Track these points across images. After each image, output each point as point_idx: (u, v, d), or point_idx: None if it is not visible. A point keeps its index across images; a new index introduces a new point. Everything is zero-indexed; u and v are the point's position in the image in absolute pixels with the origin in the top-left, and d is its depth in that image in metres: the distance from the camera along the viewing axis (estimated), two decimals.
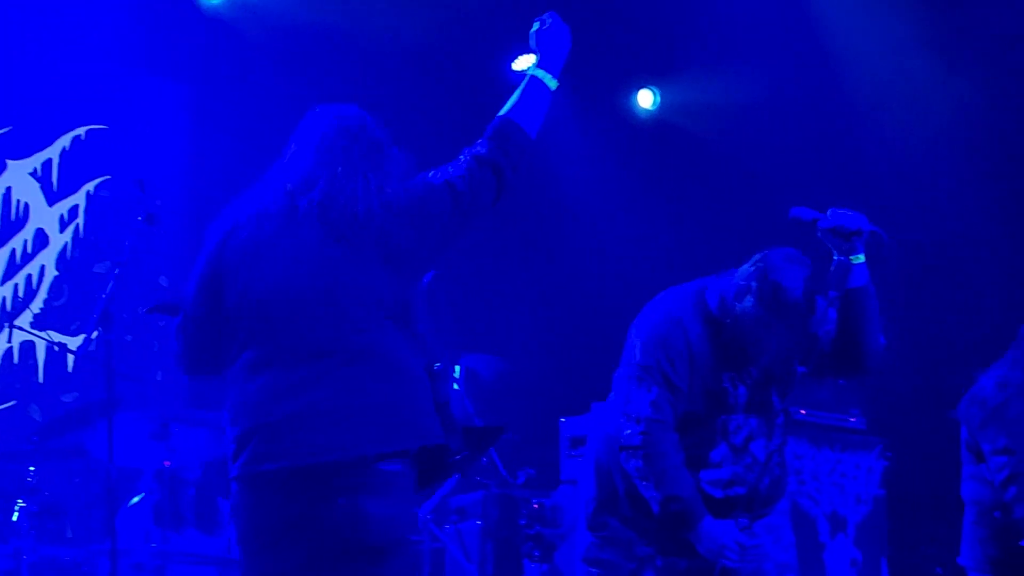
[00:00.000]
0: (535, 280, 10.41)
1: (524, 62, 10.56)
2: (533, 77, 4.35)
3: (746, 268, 4.86)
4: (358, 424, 3.92)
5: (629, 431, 4.83)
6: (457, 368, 8.17)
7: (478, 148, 4.24)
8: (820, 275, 4.85)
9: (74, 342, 8.57)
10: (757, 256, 4.87)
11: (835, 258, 4.77)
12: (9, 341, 8.75)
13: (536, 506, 7.86)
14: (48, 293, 9.04)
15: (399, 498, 3.96)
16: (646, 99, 11.26)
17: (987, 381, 6.16)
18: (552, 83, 4.36)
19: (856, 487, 8.43)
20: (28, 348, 8.82)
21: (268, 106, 9.52)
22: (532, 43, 4.42)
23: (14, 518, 6.79)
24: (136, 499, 7.11)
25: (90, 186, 9.27)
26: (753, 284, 4.79)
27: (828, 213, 4.75)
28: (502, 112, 4.29)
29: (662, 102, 11.25)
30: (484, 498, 7.60)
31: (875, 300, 4.83)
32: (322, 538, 3.94)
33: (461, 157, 4.23)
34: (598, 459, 5.16)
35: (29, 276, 9.01)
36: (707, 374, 4.88)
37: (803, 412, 8.16)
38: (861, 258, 4.76)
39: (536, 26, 4.43)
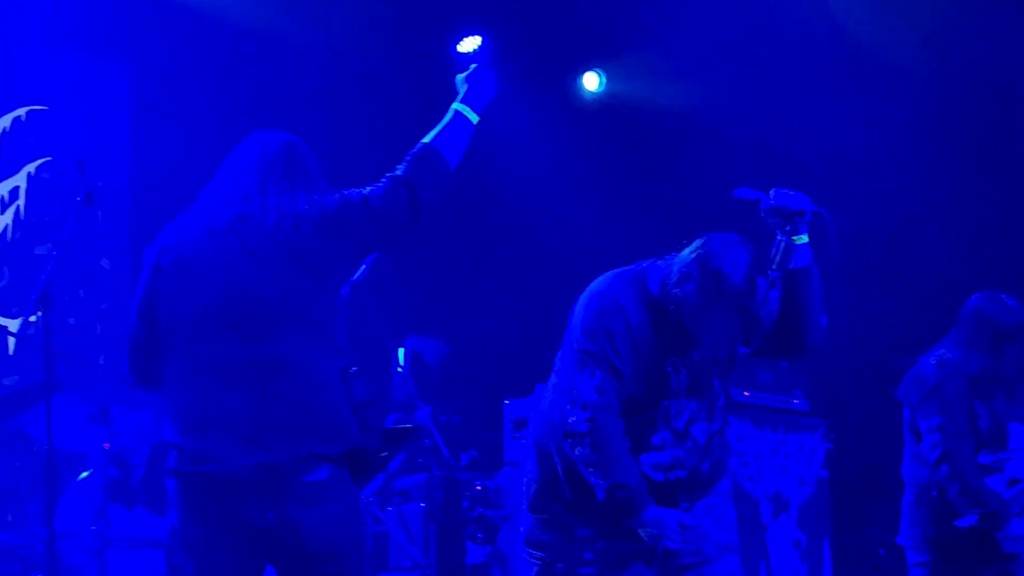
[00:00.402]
0: (480, 263, 10.41)
1: (469, 44, 10.55)
2: (457, 111, 4.58)
3: (687, 254, 4.84)
4: (272, 431, 4.12)
5: (575, 418, 4.79)
6: (402, 351, 8.15)
7: (397, 170, 4.41)
8: (763, 255, 4.85)
9: (14, 324, 8.50)
10: (698, 242, 4.85)
11: (778, 238, 4.76)
12: None
13: (479, 488, 7.86)
14: None
15: (334, 505, 4.17)
16: (591, 82, 11.26)
17: (927, 361, 6.19)
18: (474, 118, 4.59)
19: (799, 468, 8.47)
20: None
21: (210, 87, 9.47)
22: (459, 86, 4.68)
23: None
24: (85, 474, 7.07)
25: (31, 167, 9.19)
26: (694, 271, 4.76)
27: (771, 193, 4.75)
28: (425, 140, 4.48)
29: (607, 85, 11.24)
30: (427, 480, 7.59)
31: (818, 280, 4.82)
32: (258, 542, 4.16)
33: (382, 180, 4.39)
34: (539, 441, 5.14)
35: None
36: (649, 358, 4.86)
37: (746, 394, 8.19)
38: (804, 238, 4.75)
39: (466, 73, 4.69)
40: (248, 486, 4.12)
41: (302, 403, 4.16)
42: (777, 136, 10.45)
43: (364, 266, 6.76)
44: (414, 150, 4.46)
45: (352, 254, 4.32)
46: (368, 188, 4.36)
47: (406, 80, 10.44)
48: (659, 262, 4.96)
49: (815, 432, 8.61)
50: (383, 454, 4.41)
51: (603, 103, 11.28)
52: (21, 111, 9.18)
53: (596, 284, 5.01)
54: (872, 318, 9.73)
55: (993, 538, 5.89)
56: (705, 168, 10.30)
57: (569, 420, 4.80)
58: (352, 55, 10.19)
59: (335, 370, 4.24)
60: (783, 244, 4.74)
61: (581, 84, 11.30)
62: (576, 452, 4.80)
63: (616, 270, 5.05)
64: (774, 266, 4.74)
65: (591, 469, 4.77)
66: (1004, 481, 5.94)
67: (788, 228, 4.73)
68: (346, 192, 4.36)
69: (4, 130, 9.10)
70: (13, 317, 8.79)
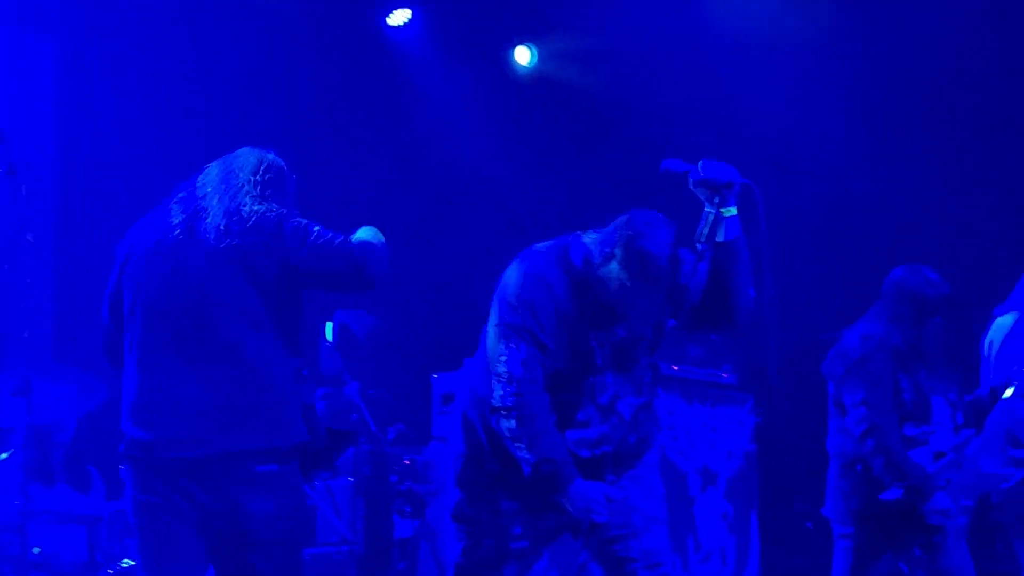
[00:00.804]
0: (409, 236, 10.34)
1: (399, 17, 10.50)
2: None
3: (610, 232, 4.80)
4: (216, 422, 4.39)
5: (501, 392, 4.75)
6: (330, 324, 8.11)
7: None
8: (692, 228, 4.84)
9: None
10: (621, 220, 4.81)
11: (706, 210, 4.75)
12: None
13: (407, 462, 7.84)
14: None
15: (281, 497, 4.43)
16: (523, 56, 11.23)
17: (851, 335, 6.22)
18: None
19: (727, 442, 8.51)
20: None
21: (135, 59, 9.37)
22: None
23: None
24: (3, 455, 6.99)
25: None
26: (618, 251, 4.74)
27: (700, 165, 4.73)
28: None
29: (539, 59, 11.22)
30: (355, 455, 7.56)
31: (746, 253, 4.80)
32: (205, 522, 4.43)
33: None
34: (465, 415, 5.12)
35: None
36: (573, 333, 4.84)
37: (675, 368, 8.20)
38: (733, 211, 4.74)
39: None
40: (196, 472, 4.38)
41: (248, 397, 4.40)
42: (711, 108, 10.46)
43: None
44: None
45: (291, 272, 4.47)
46: (320, 227, 4.55)
47: (337, 51, 10.37)
48: (583, 237, 4.93)
49: (743, 406, 8.65)
50: (332, 453, 4.75)
51: (535, 77, 11.26)
52: None
53: (521, 258, 4.97)
54: (801, 292, 9.78)
55: (918, 510, 5.93)
56: (636, 142, 10.29)
57: (495, 394, 4.77)
58: (282, 28, 10.11)
59: (287, 369, 4.49)
60: (711, 216, 4.72)
61: (513, 58, 11.26)
62: (502, 426, 4.77)
63: (540, 244, 5.01)
64: (702, 239, 4.72)
65: (517, 443, 4.74)
66: (929, 454, 5.97)
67: (716, 200, 4.72)
68: (297, 216, 4.58)
69: None
70: None
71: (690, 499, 8.18)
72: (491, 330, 4.88)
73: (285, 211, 4.56)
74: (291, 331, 4.54)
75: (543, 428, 4.75)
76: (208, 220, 4.55)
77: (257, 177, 4.69)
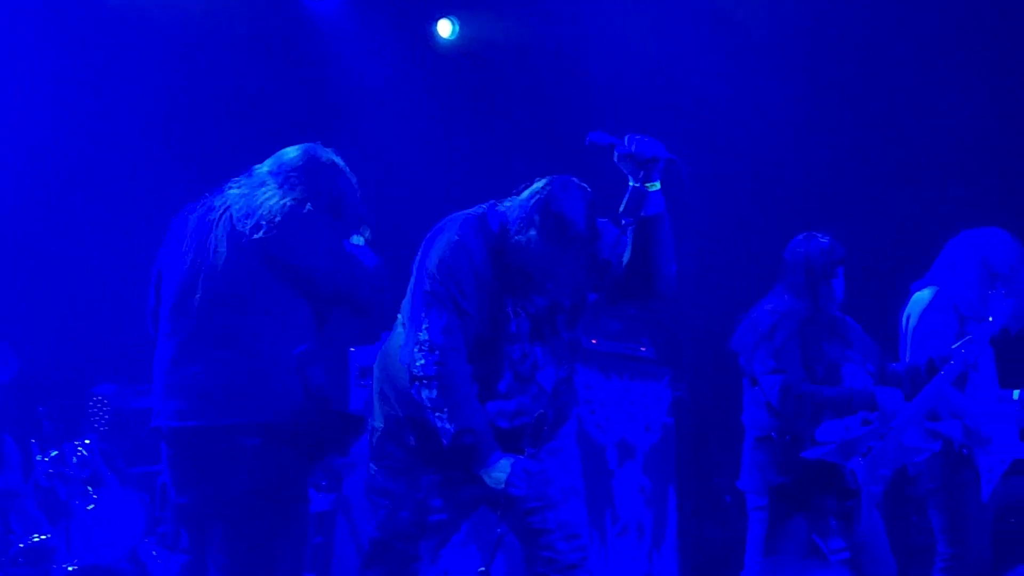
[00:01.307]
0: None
1: None
2: None
3: (527, 199, 4.81)
4: (214, 397, 4.79)
5: (423, 361, 4.73)
6: None
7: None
8: (616, 201, 4.84)
9: None
10: (537, 185, 4.82)
11: (631, 185, 4.75)
12: None
13: None
14: None
15: (260, 473, 4.76)
16: (445, 29, 11.19)
17: (758, 310, 6.26)
18: None
19: (645, 415, 8.53)
20: None
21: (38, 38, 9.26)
22: None
23: None
24: None
25: None
26: (536, 216, 4.74)
27: (625, 139, 4.72)
28: None
29: (460, 31, 11.18)
30: None
31: (669, 228, 4.80)
32: (209, 488, 4.84)
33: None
34: (381, 388, 5.10)
35: None
36: (492, 301, 4.83)
37: (594, 341, 8.21)
38: (657, 186, 4.73)
39: None
40: (200, 443, 4.82)
41: (247, 376, 4.78)
42: (634, 83, 10.46)
43: None
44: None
45: (301, 265, 4.88)
46: (328, 240, 4.95)
47: (256, 24, 10.28)
48: (500, 205, 4.93)
49: (661, 380, 8.67)
50: (344, 437, 5.01)
51: (457, 49, 11.22)
52: None
53: (439, 227, 4.97)
54: (720, 268, 9.82)
55: (830, 480, 5.96)
56: (558, 113, 10.28)
57: (417, 363, 4.74)
58: (199, 6, 10.02)
59: (287, 353, 4.85)
60: (636, 191, 4.72)
61: (435, 31, 11.22)
62: (423, 395, 4.74)
63: (459, 212, 5.01)
64: (626, 212, 4.72)
65: (438, 413, 4.72)
66: (842, 425, 6.01)
67: (641, 175, 4.72)
68: (309, 219, 4.93)
69: None
70: None
71: (608, 472, 8.20)
72: (412, 298, 4.86)
73: (298, 209, 4.90)
74: (294, 317, 4.89)
75: (464, 398, 4.74)
76: (229, 211, 4.94)
77: (280, 171, 5.07)
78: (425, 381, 4.74)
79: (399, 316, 5.07)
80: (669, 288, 4.90)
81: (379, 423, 5.10)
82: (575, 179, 4.82)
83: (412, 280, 4.92)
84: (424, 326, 4.76)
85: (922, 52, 10.05)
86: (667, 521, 8.57)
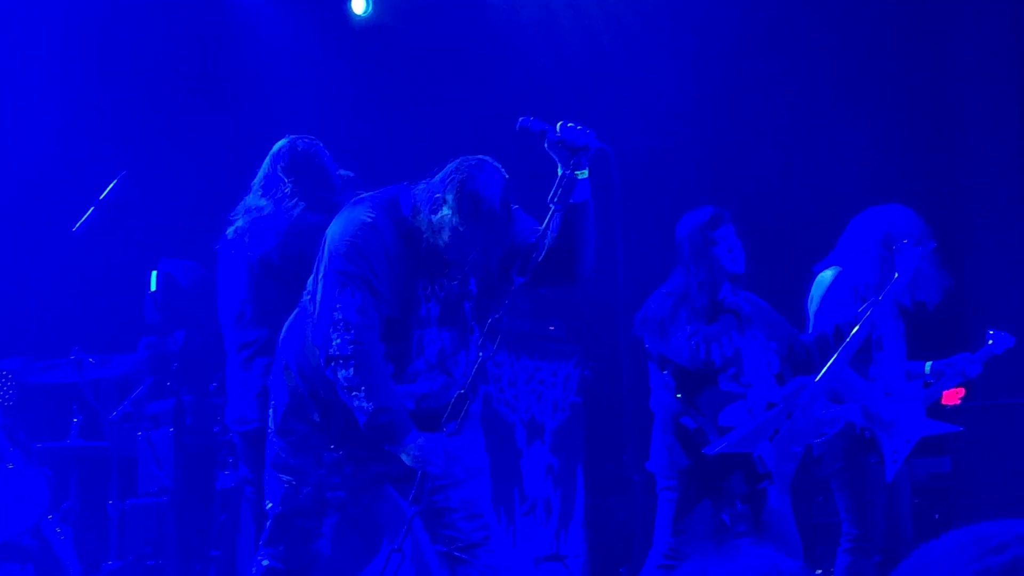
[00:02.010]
0: (239, 184, 10.21)
1: None
2: None
3: (441, 179, 4.80)
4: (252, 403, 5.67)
5: (338, 340, 4.70)
6: (155, 274, 7.98)
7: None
8: (529, 182, 4.85)
9: None
10: (451, 166, 4.82)
11: (560, 172, 4.76)
12: None
13: None
14: None
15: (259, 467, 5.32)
16: (358, 5, 11.13)
17: (656, 294, 6.28)
18: None
19: (554, 394, 8.54)
20: None
21: None
22: None
23: None
24: None
25: None
26: (449, 196, 4.74)
27: (557, 127, 4.73)
28: None
29: (375, 6, 11.12)
30: (176, 405, 7.45)
31: (592, 217, 4.83)
32: None
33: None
34: (286, 364, 5.08)
35: None
36: (403, 284, 4.82)
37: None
38: (585, 174, 4.75)
39: None
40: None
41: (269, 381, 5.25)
42: (551, 61, 10.46)
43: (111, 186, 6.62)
44: None
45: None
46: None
47: (170, 1, 10.19)
48: (412, 187, 4.92)
49: (570, 359, 8.69)
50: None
51: (371, 25, 11.16)
52: None
53: (350, 207, 4.95)
54: (648, 255, 9.86)
55: (739, 464, 6.00)
56: (473, 91, 10.27)
57: (332, 343, 4.72)
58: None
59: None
60: (565, 177, 4.74)
61: (349, 6, 11.15)
62: (339, 375, 4.72)
63: (368, 193, 4.99)
64: (555, 199, 4.74)
65: (354, 393, 4.70)
66: (745, 408, 6.04)
67: (571, 162, 4.73)
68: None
69: None
70: None
71: (516, 451, 8.22)
72: (323, 278, 4.83)
73: (277, 213, 5.59)
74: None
75: (381, 377, 4.74)
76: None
77: (266, 171, 5.80)
78: (341, 361, 4.71)
79: (304, 294, 5.05)
80: (587, 273, 4.94)
81: (283, 398, 5.08)
82: (490, 160, 4.82)
83: (321, 260, 4.89)
84: (338, 306, 4.74)
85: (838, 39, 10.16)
86: (575, 500, 8.59)
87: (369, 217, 4.84)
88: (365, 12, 11.12)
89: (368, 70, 10.88)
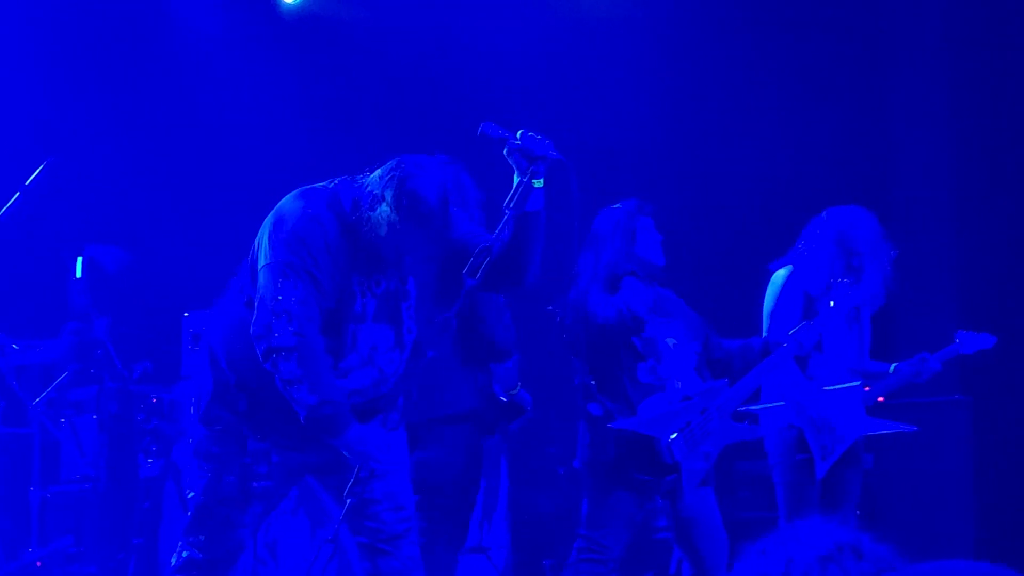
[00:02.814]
0: (168, 174, 10.17)
1: None
2: None
3: (382, 175, 4.80)
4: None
5: (280, 331, 4.68)
6: (80, 259, 7.93)
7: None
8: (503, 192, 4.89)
9: None
10: (391, 163, 4.82)
11: (517, 179, 4.79)
12: None
13: (155, 401, 7.73)
14: None
15: None
16: None
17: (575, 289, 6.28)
18: None
19: None
20: None
21: None
22: None
23: None
24: None
25: None
26: (388, 193, 4.74)
27: (518, 134, 4.76)
28: None
29: None
30: (99, 392, 7.41)
31: (544, 225, 4.86)
32: None
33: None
34: (213, 352, 5.06)
35: None
36: (341, 278, 4.81)
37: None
38: (541, 183, 4.78)
39: None
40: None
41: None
42: (480, 51, 10.46)
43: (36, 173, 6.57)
44: None
45: None
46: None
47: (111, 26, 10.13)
48: (353, 182, 4.91)
49: None
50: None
51: (300, 14, 11.13)
52: None
53: (289, 199, 4.92)
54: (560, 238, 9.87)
55: (649, 456, 6.02)
56: (405, 83, 10.25)
57: (274, 334, 4.69)
58: None
59: None
60: (521, 185, 4.77)
61: None
62: (280, 367, 4.69)
63: (308, 186, 4.98)
64: (511, 205, 4.77)
65: (296, 385, 4.67)
66: (665, 399, 6.07)
67: (529, 170, 4.76)
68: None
69: None
70: None
71: None
72: (265, 268, 4.81)
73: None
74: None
75: (324, 369, 4.72)
76: None
77: None
78: (284, 352, 4.68)
79: (234, 282, 5.03)
80: (532, 280, 4.96)
81: (207, 386, 5.07)
82: (431, 158, 4.84)
83: (260, 250, 4.87)
84: (279, 297, 4.71)
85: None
86: (499, 492, 8.60)
87: (311, 209, 4.82)
88: (295, 1, 11.09)
89: (299, 60, 10.84)
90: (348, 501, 4.86)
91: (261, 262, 4.83)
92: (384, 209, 4.73)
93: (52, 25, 9.75)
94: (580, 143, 9.54)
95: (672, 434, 5.97)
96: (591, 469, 6.16)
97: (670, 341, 6.16)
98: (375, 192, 4.76)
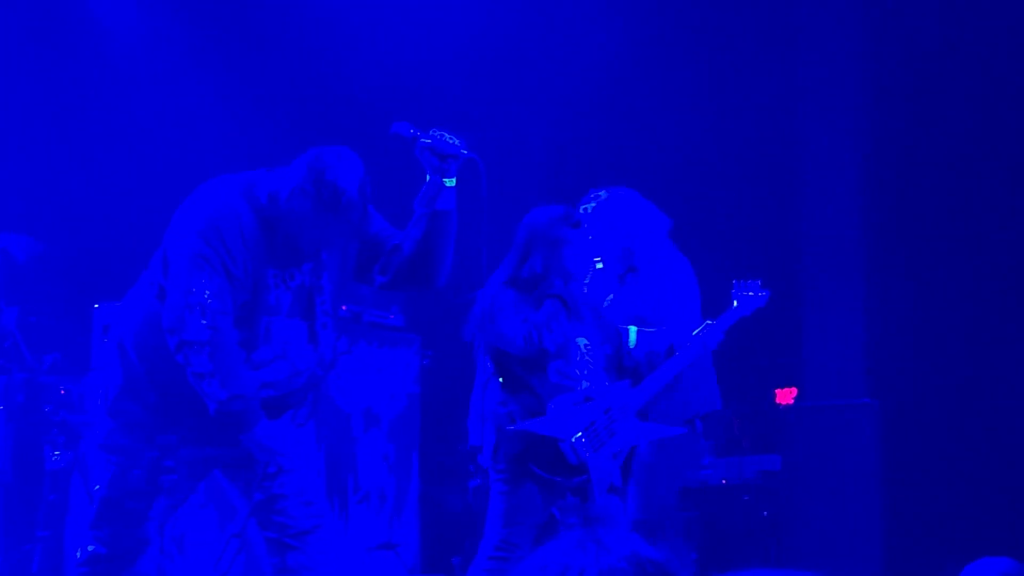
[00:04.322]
0: (78, 160, 10.07)
1: None
2: None
3: (299, 166, 4.79)
4: None
5: (192, 325, 4.65)
6: None
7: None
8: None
9: None
10: (310, 154, 4.81)
11: (428, 177, 4.82)
12: None
13: (63, 392, 7.66)
14: None
15: None
16: None
17: (487, 285, 6.20)
18: None
19: (392, 383, 8.55)
20: None
21: None
22: None
23: None
24: None
25: None
26: (308, 185, 4.72)
27: (430, 133, 4.79)
28: None
29: None
30: (6, 383, 7.34)
31: (454, 226, 4.91)
32: None
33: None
34: (122, 344, 5.02)
35: None
36: (255, 270, 4.79)
37: (343, 307, 8.20)
38: (453, 182, 4.83)
39: None
40: None
41: None
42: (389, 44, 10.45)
43: None
44: None
45: None
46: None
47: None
48: (270, 173, 4.90)
49: (409, 347, 8.70)
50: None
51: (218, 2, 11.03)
52: None
53: (202, 189, 4.90)
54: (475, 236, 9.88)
55: (554, 455, 6.03)
56: (316, 73, 10.21)
57: (187, 326, 4.66)
58: None
59: None
60: (432, 184, 4.81)
61: None
62: (192, 360, 4.66)
63: (223, 176, 4.95)
64: (420, 203, 4.80)
65: (208, 378, 4.65)
66: (571, 400, 6.07)
67: (440, 169, 4.79)
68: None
69: None
70: None
71: (352, 439, 8.21)
72: (178, 260, 4.76)
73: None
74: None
75: (236, 363, 4.71)
76: None
77: None
78: (196, 346, 4.65)
79: (145, 273, 5.00)
80: (444, 279, 5.03)
81: (116, 379, 5.03)
82: (349, 150, 4.83)
83: (173, 241, 4.83)
84: (193, 289, 4.68)
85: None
86: (409, 489, 8.61)
87: (226, 199, 4.80)
88: None
89: (215, 49, 10.74)
90: (257, 496, 4.85)
91: (173, 254, 4.79)
92: (303, 201, 4.71)
93: None
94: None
95: (576, 434, 5.98)
96: (497, 467, 6.15)
97: (581, 341, 6.16)
98: (293, 184, 4.75)
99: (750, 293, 6.53)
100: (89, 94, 10.15)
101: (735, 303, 6.49)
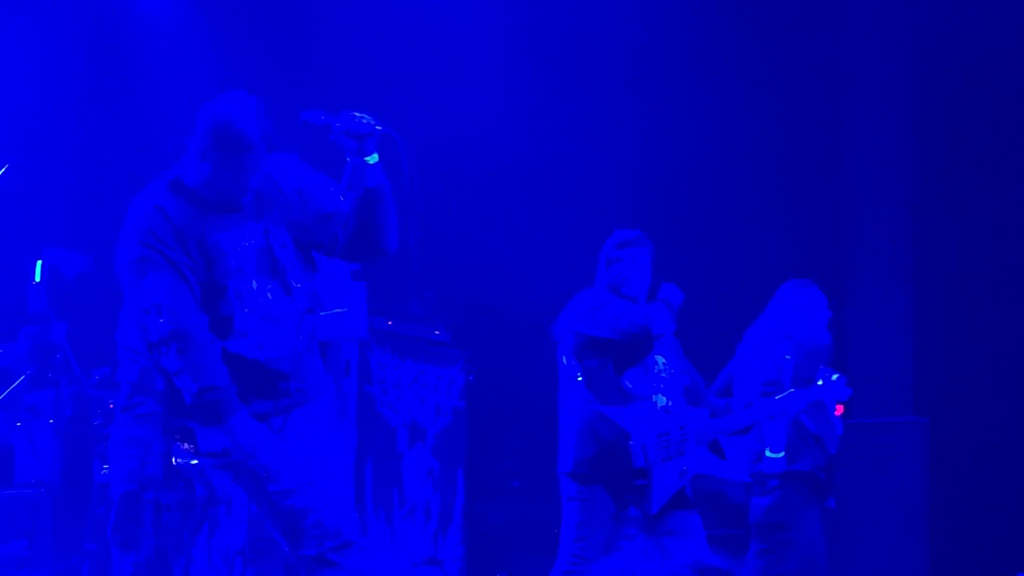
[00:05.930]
0: (124, 176, 10.09)
1: None
2: None
3: (196, 129, 4.73)
4: None
5: (152, 326, 4.62)
6: (39, 263, 7.91)
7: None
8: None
9: None
10: (200, 113, 4.73)
11: (348, 160, 4.86)
12: None
13: (112, 406, 7.70)
14: None
15: None
16: None
17: (582, 297, 6.33)
18: None
19: (437, 398, 8.57)
20: None
21: None
22: None
23: None
24: None
25: None
26: (208, 138, 4.66)
27: (340, 115, 4.80)
28: None
29: None
30: (56, 396, 7.39)
31: (390, 198, 4.91)
32: None
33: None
34: (129, 344, 5.10)
35: None
36: (204, 247, 4.72)
37: (389, 323, 8.23)
38: (375, 158, 4.85)
39: None
40: None
41: None
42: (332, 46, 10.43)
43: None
44: None
45: None
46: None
47: None
48: (184, 156, 4.86)
49: (454, 364, 8.72)
50: None
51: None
52: None
53: (135, 198, 4.86)
54: (519, 252, 9.91)
55: (623, 456, 6.07)
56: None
57: (150, 330, 4.63)
58: None
59: None
60: (354, 164, 4.85)
61: None
62: (163, 360, 4.64)
63: (152, 183, 4.93)
64: (347, 186, 4.84)
65: (180, 375, 4.61)
66: (650, 408, 6.16)
67: (359, 149, 4.83)
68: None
69: None
70: None
71: (398, 454, 8.23)
72: (123, 271, 4.73)
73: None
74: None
75: (204, 354, 4.64)
76: None
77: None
78: (163, 346, 4.63)
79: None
80: (393, 248, 5.03)
81: (131, 376, 5.14)
82: (242, 91, 4.78)
83: (116, 256, 4.78)
84: (145, 290, 4.65)
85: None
86: (454, 504, 8.62)
87: (151, 199, 4.75)
88: None
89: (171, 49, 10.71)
90: (252, 510, 4.83)
91: (119, 267, 4.77)
92: (211, 154, 4.68)
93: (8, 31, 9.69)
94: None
95: (650, 437, 6.05)
96: (569, 471, 6.19)
97: (660, 359, 6.25)
98: (198, 146, 4.71)
99: (835, 377, 6.76)
100: (140, 112, 10.20)
101: (820, 382, 6.68)
